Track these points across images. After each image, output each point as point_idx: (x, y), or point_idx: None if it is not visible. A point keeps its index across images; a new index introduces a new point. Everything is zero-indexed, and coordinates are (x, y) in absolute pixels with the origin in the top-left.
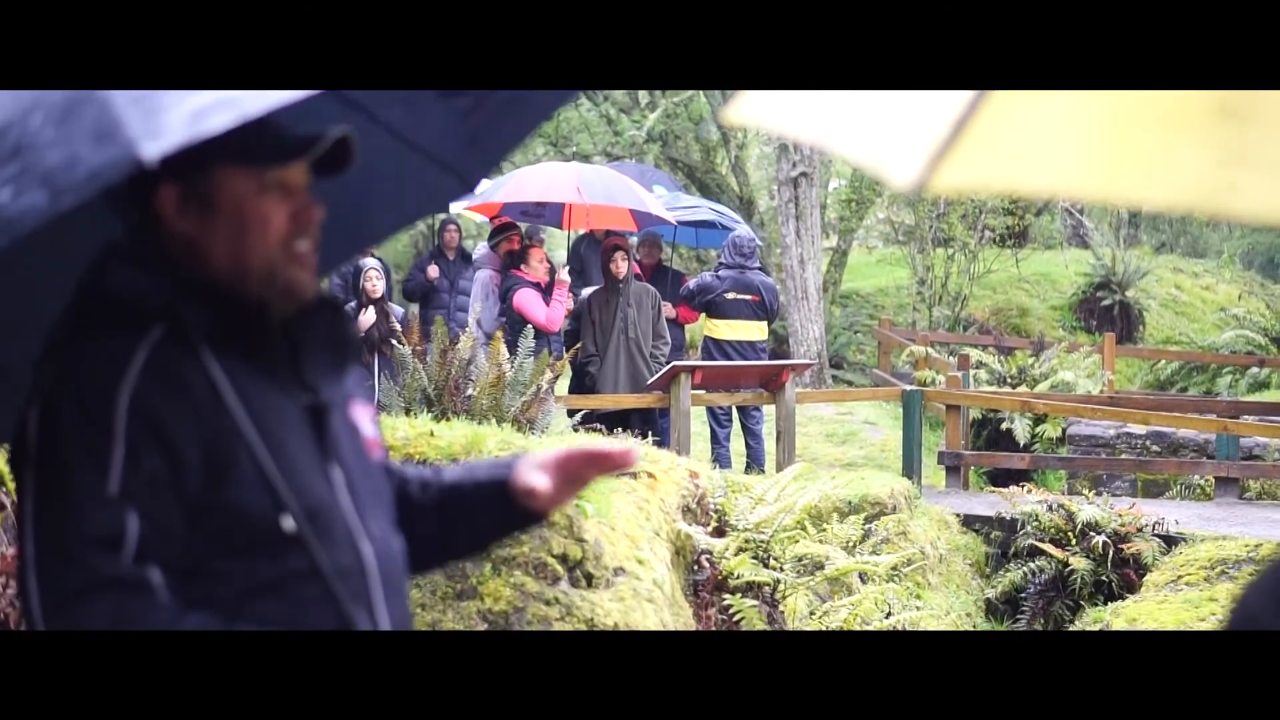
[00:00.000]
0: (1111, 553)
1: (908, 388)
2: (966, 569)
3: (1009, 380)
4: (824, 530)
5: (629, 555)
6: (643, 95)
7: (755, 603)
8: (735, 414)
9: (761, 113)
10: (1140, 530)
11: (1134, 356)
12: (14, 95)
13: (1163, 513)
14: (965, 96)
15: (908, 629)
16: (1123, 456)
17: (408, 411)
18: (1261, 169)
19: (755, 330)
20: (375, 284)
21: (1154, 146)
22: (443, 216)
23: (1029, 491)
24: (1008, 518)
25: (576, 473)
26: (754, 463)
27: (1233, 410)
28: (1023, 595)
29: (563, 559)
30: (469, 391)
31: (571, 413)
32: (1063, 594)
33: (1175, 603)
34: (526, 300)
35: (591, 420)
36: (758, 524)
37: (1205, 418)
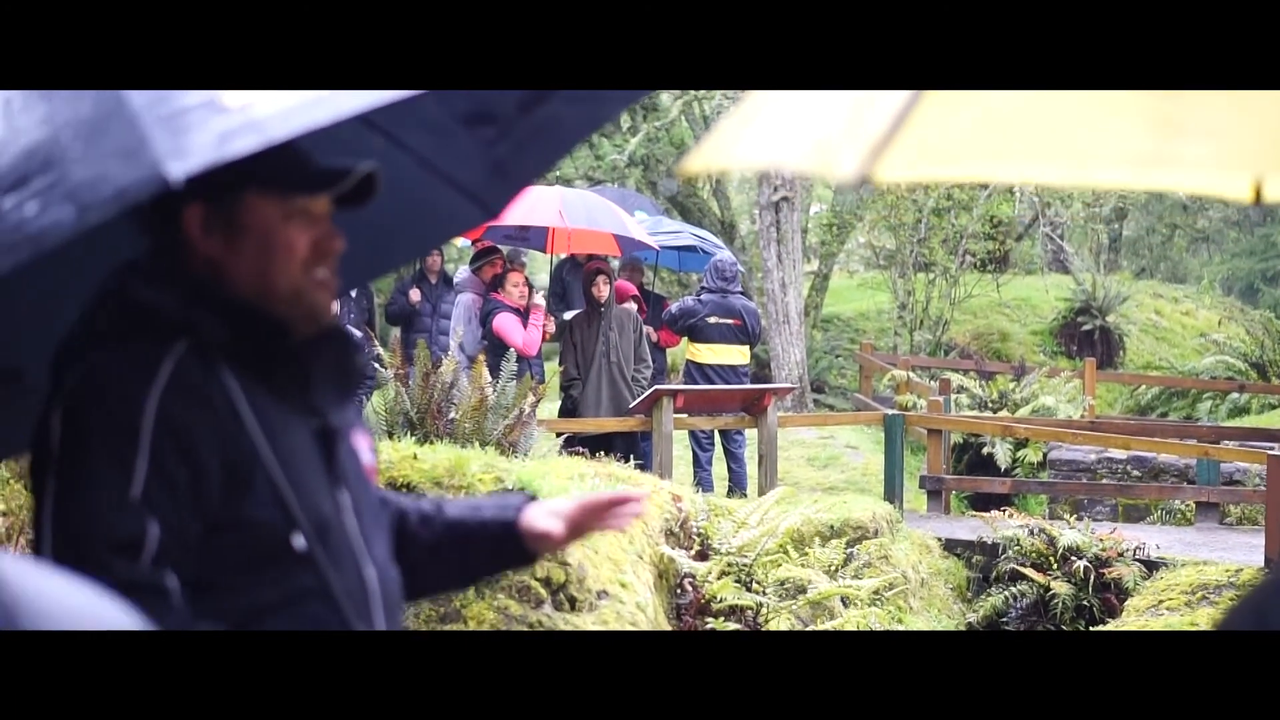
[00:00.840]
0: (1093, 577)
1: (889, 412)
2: (948, 593)
3: (990, 405)
4: (806, 554)
5: (612, 579)
6: (624, 119)
7: (738, 626)
8: (717, 438)
9: (713, 157)
10: (1121, 555)
11: (1115, 381)
12: (48, 111)
13: (1144, 537)
14: (903, 92)
15: None
16: (1104, 481)
17: (390, 435)
18: (1197, 135)
19: (737, 354)
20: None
21: (1089, 122)
22: None
23: (1010, 516)
24: (989, 542)
25: (590, 520)
26: (736, 486)
27: (1213, 435)
28: (1004, 620)
29: (546, 582)
30: (451, 415)
31: (556, 435)
32: (1044, 618)
33: (1157, 627)
34: (505, 324)
35: (574, 444)
36: (740, 548)
37: (1186, 443)
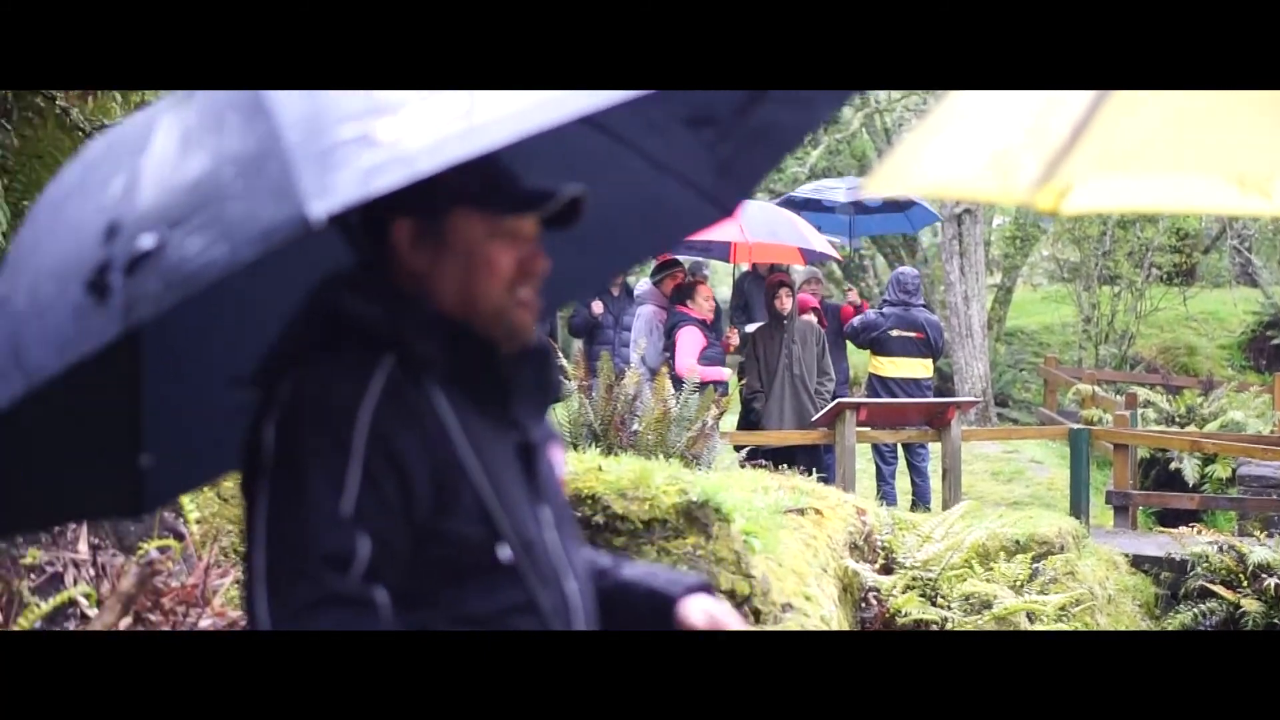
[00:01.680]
0: None
1: (1074, 426)
2: (1135, 610)
3: (1177, 420)
4: (991, 569)
5: (796, 591)
6: None
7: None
8: (900, 451)
9: (893, 180)
10: None
11: None
12: (215, 145)
13: None
14: (1072, 110)
15: None
16: None
17: (574, 446)
18: None
19: (920, 367)
20: None
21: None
22: None
23: (1199, 532)
24: (1177, 559)
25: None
26: (920, 500)
27: None
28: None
29: (731, 595)
30: (635, 427)
31: (737, 448)
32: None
33: None
34: (685, 338)
35: (756, 456)
36: (925, 562)
37: None
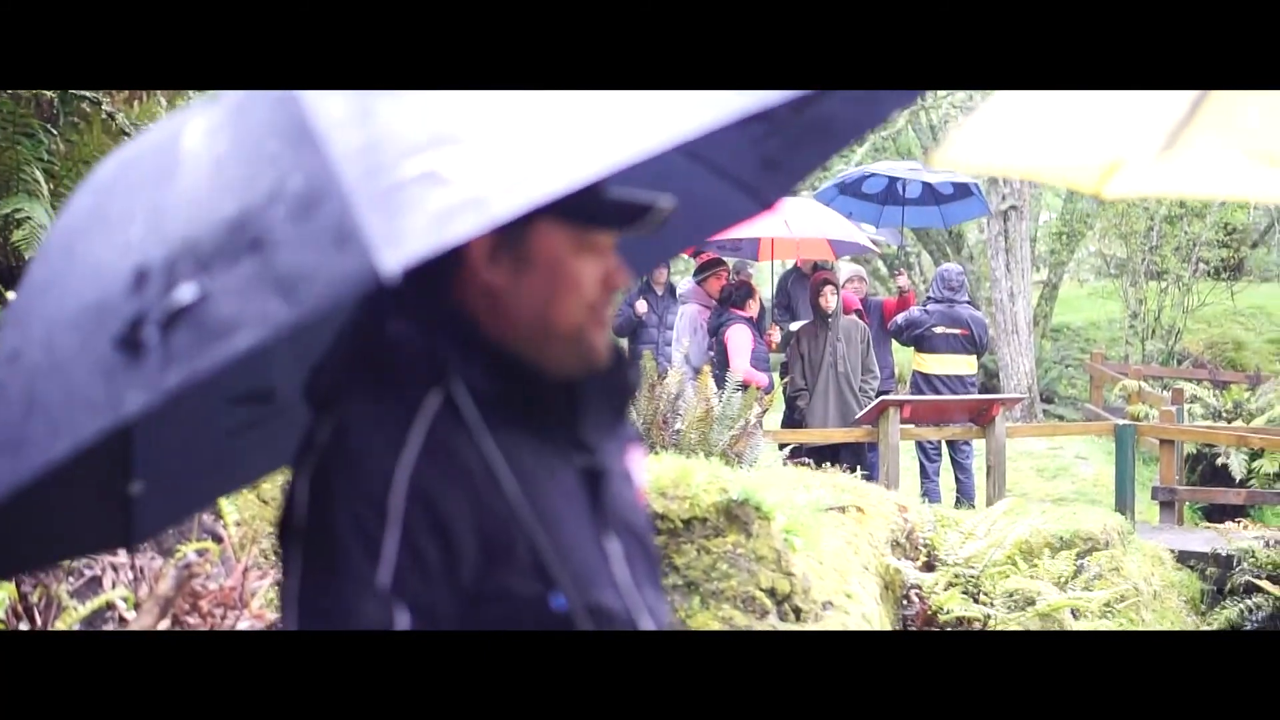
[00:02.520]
0: None
1: (1120, 422)
2: (1181, 606)
3: (1224, 415)
4: (1035, 565)
5: (838, 589)
6: None
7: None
8: (944, 448)
9: (967, 154)
10: None
11: None
12: (250, 176)
13: None
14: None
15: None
16: None
17: None
18: None
19: (964, 364)
20: None
21: None
22: None
23: (1245, 527)
24: (1224, 554)
25: None
26: (964, 497)
27: None
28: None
29: (771, 593)
30: (677, 425)
31: (781, 446)
32: None
33: None
34: (737, 339)
35: (800, 454)
36: (968, 559)
37: None
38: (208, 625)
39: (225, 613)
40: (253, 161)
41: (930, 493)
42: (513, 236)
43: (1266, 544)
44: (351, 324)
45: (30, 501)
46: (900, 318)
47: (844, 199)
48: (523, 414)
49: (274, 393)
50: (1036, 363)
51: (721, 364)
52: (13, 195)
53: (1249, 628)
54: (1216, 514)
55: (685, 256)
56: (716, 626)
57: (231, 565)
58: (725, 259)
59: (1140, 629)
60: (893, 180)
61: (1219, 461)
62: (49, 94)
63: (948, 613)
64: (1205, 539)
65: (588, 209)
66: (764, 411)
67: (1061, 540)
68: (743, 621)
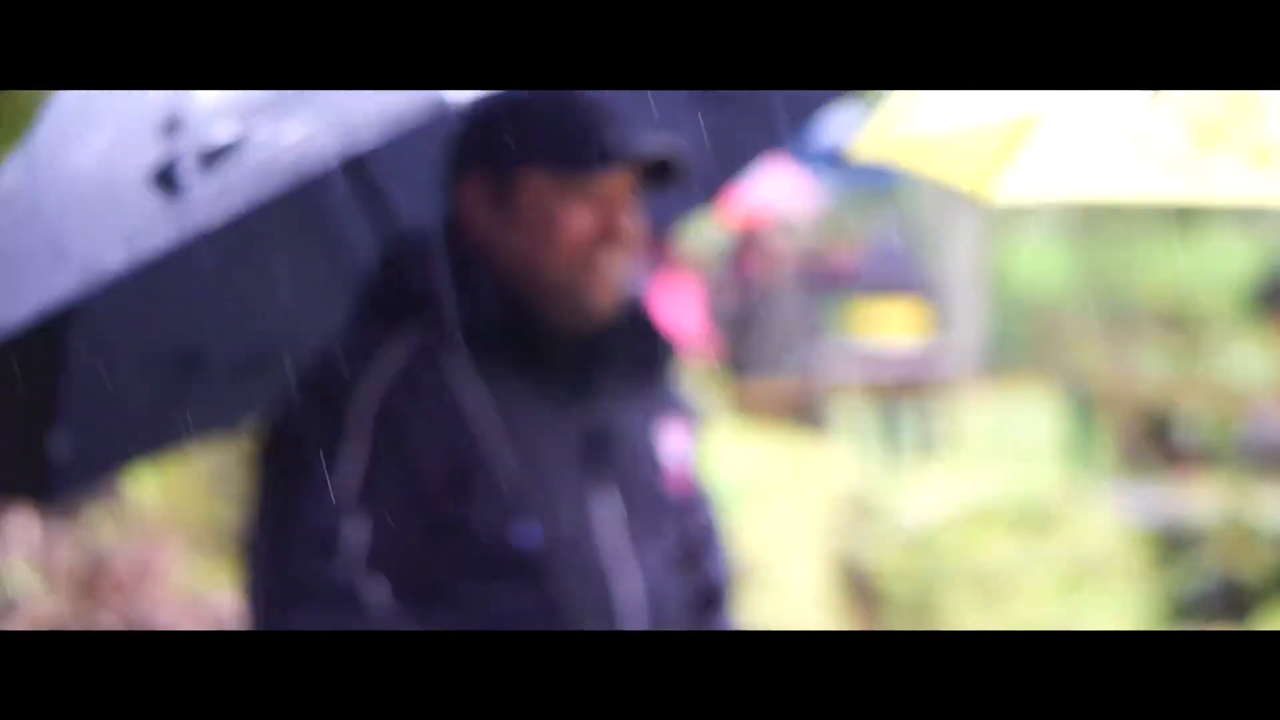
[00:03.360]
0: None
1: (1074, 382)
2: (1137, 567)
3: (1181, 373)
4: (987, 526)
5: (785, 553)
6: None
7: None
8: (895, 414)
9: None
10: None
11: None
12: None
13: None
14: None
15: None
16: None
17: None
18: None
19: (913, 324)
20: None
21: None
22: None
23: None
24: (1180, 515)
25: None
26: (914, 460)
27: None
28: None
29: None
30: None
31: None
32: (1238, 595)
33: None
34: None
35: (748, 412)
36: (918, 520)
37: None
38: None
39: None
40: None
41: (880, 456)
42: (500, 181)
43: (1227, 509)
44: (363, 279)
45: None
46: (850, 275)
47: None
48: (516, 361)
49: (201, 357)
50: (991, 326)
51: None
52: None
53: (1205, 591)
54: (1173, 475)
55: None
56: None
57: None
58: None
59: (1118, 629)
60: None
61: (1181, 425)
62: None
63: (902, 584)
64: (1161, 498)
65: (570, 148)
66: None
67: (1014, 503)
68: None
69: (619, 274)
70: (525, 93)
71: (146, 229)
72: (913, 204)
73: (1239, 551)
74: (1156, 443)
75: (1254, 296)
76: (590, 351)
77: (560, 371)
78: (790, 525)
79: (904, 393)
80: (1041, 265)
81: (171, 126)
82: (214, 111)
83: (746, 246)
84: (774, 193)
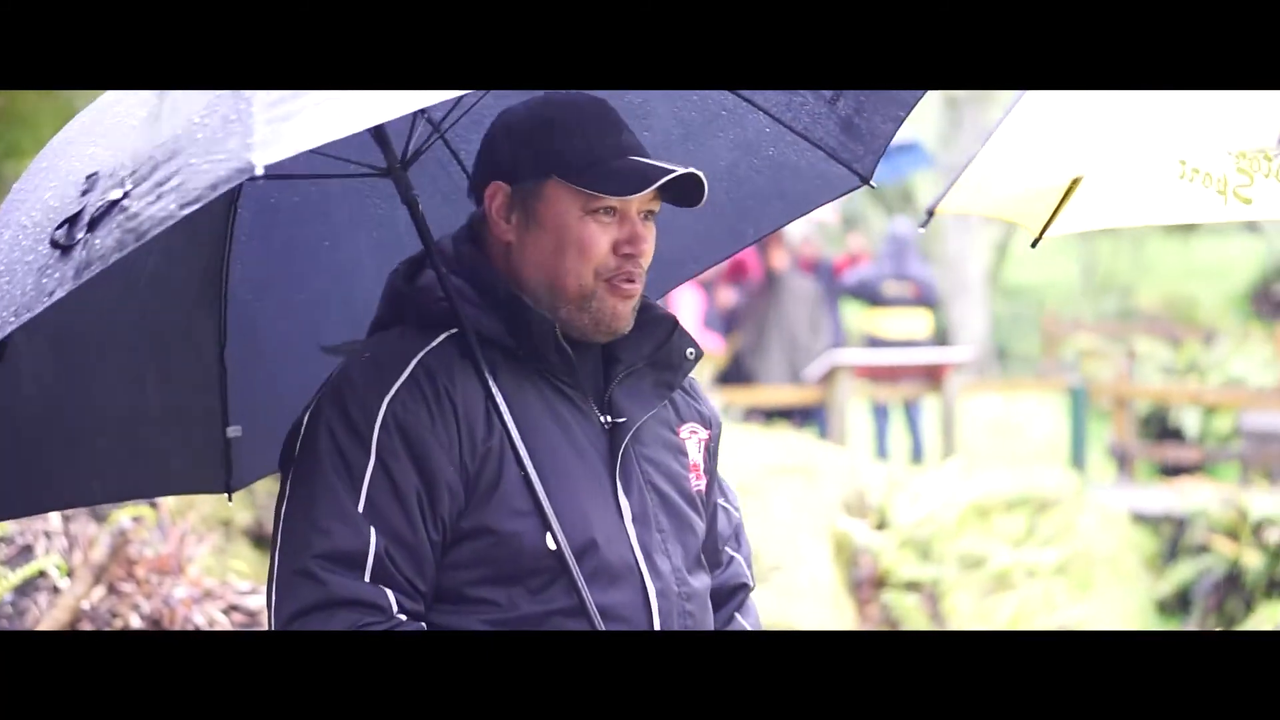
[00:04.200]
0: None
1: (1074, 380)
2: (1136, 565)
3: (1178, 372)
4: (987, 525)
5: (788, 551)
6: None
7: (916, 599)
8: (896, 408)
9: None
10: None
11: None
12: (190, 110)
13: None
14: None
15: (1075, 628)
16: None
17: None
18: None
19: (916, 323)
20: None
21: None
22: None
23: (1200, 486)
24: (1178, 513)
25: None
26: (915, 457)
27: None
28: (1194, 592)
29: None
30: None
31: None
32: (1236, 591)
33: None
34: (681, 300)
35: (751, 413)
36: (919, 520)
37: None
38: (144, 593)
39: (161, 580)
40: (203, 100)
41: (881, 453)
42: (525, 194)
43: (1220, 503)
44: (391, 277)
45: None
46: (850, 275)
47: None
48: (536, 367)
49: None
50: (990, 321)
51: None
52: None
53: (1203, 587)
54: (1171, 472)
55: None
56: None
57: (168, 531)
58: None
59: (1117, 630)
60: None
61: (1172, 419)
62: None
63: (898, 575)
64: (1160, 498)
65: (594, 171)
66: (715, 372)
67: (1015, 500)
68: None
69: (636, 287)
70: (559, 102)
71: (37, 291)
72: (921, 200)
73: (1236, 546)
74: (1158, 440)
75: (1247, 298)
76: (615, 352)
77: (577, 375)
78: (796, 523)
79: (910, 391)
80: (1045, 267)
81: (90, 183)
82: (119, 169)
83: (768, 245)
84: None
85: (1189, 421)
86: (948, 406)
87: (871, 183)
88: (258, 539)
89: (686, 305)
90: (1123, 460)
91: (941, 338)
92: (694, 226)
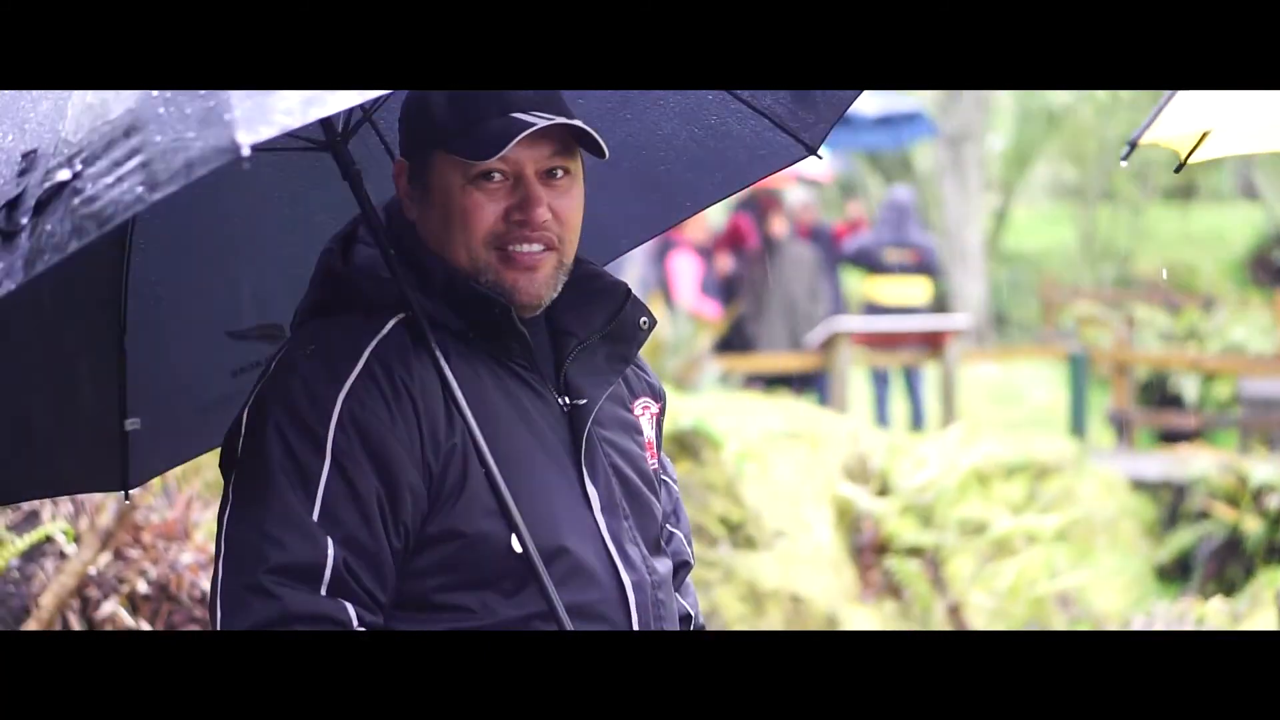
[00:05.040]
0: None
1: (1073, 347)
2: (1135, 531)
3: (1178, 338)
4: (988, 492)
5: (790, 517)
6: None
7: (918, 565)
8: (897, 374)
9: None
10: None
11: None
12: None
13: None
14: None
15: (1075, 593)
16: None
17: None
18: None
19: (915, 288)
20: None
21: None
22: None
23: (1199, 453)
24: (1177, 479)
25: None
26: (916, 424)
27: None
28: (1194, 558)
29: (723, 521)
30: None
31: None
32: (1235, 557)
33: None
34: (679, 267)
35: (752, 380)
36: (920, 486)
37: None
38: (150, 559)
39: (168, 545)
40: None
41: (882, 419)
42: (420, 169)
43: (1220, 469)
44: (319, 264)
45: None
46: (850, 242)
47: None
48: (486, 351)
49: (282, 330)
50: (989, 288)
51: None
52: None
53: (1202, 552)
54: (1170, 439)
55: None
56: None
57: (174, 497)
58: None
59: (1110, 628)
60: None
61: (1172, 386)
62: None
63: (900, 540)
64: (1159, 464)
65: (465, 138)
66: (715, 338)
67: (1015, 466)
68: (695, 550)
69: (536, 256)
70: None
71: None
72: (920, 168)
73: (1236, 513)
74: (1157, 407)
75: (1244, 265)
76: (565, 327)
77: (532, 351)
78: (798, 489)
79: (909, 358)
80: (1044, 234)
81: (28, 162)
82: (64, 145)
83: (755, 211)
84: None
85: (1188, 388)
86: (947, 373)
87: (818, 153)
88: None
89: (685, 272)
90: (1122, 427)
91: (941, 305)
92: (628, 198)
